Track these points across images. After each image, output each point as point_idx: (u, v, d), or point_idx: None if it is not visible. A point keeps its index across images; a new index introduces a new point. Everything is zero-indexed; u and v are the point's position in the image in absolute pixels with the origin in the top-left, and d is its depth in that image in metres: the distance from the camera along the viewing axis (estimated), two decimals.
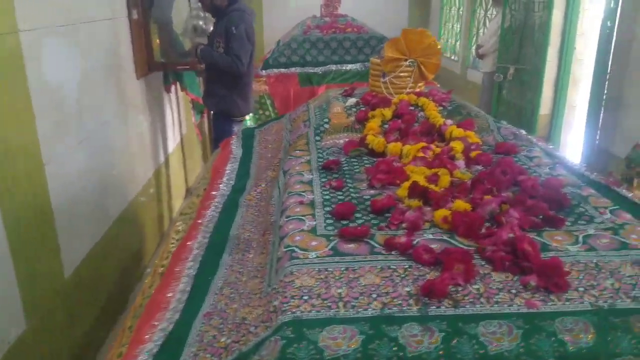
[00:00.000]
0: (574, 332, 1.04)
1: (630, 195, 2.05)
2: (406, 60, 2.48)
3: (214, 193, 2.18)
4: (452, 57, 8.45)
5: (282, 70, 5.49)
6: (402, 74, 2.51)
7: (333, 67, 5.51)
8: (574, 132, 5.56)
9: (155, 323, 1.37)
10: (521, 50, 5.51)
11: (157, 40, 4.03)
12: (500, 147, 2.08)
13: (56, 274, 2.46)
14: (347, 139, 2.17)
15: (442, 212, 1.47)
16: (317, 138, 2.23)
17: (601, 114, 4.30)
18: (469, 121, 2.24)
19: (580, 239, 1.39)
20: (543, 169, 1.91)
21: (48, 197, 2.37)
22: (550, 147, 2.71)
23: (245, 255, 1.64)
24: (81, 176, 2.68)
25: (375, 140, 2.07)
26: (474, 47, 6.90)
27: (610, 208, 1.58)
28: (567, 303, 1.13)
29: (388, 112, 2.32)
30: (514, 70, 5.56)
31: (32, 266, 2.26)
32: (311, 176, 1.87)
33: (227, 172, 2.40)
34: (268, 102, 5.40)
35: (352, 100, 2.51)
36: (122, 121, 3.31)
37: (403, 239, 1.35)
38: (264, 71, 5.50)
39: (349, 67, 5.50)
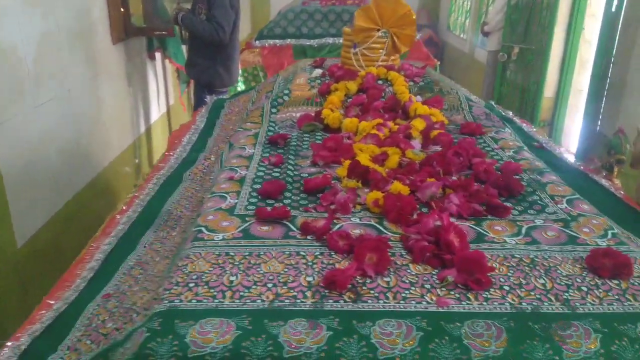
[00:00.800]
0: (482, 338, 0.90)
1: (606, 183, 1.90)
2: (378, 30, 2.31)
3: (161, 165, 2.06)
4: (461, 36, 8.16)
5: (277, 41, 5.30)
6: (374, 46, 2.34)
7: (330, 39, 5.31)
8: (580, 117, 5.34)
9: (51, 302, 1.25)
10: (527, 29, 5.26)
11: (141, 5, 3.89)
12: (465, 127, 1.93)
13: (7, 243, 2.37)
14: (304, 113, 2.03)
15: (374, 195, 1.33)
16: (274, 110, 2.09)
17: (603, 99, 4.08)
18: (436, 98, 2.08)
19: (524, 230, 1.25)
20: (507, 152, 1.76)
21: None
22: (533, 130, 2.55)
23: (170, 233, 1.51)
24: (38, 142, 2.57)
25: (330, 115, 1.92)
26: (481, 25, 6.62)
27: (569, 197, 1.43)
28: (485, 304, 0.99)
29: (353, 86, 2.16)
30: (518, 50, 5.32)
31: None
32: (253, 150, 1.73)
33: (183, 143, 2.27)
34: (261, 74, 5.24)
35: (317, 72, 2.35)
36: (92, 87, 3.18)
37: (321, 223, 1.21)
38: (257, 42, 5.31)
39: None
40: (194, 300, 0.99)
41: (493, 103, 2.99)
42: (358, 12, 2.29)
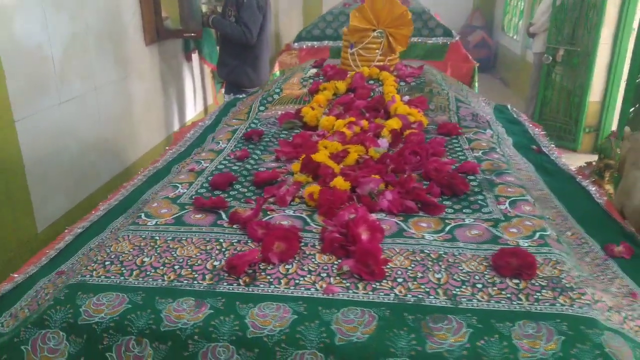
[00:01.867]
0: (351, 324, 0.94)
1: (592, 188, 1.85)
2: (374, 30, 2.34)
3: (158, 159, 2.19)
4: (514, 37, 7.92)
5: (315, 43, 5.37)
6: (370, 46, 2.37)
7: None
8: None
9: (15, 275, 1.39)
10: (573, 30, 5.07)
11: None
12: (442, 128, 1.93)
13: (27, 227, 2.58)
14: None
15: (311, 189, 1.38)
16: (262, 108, 2.17)
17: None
18: (420, 98, 2.09)
19: (448, 228, 1.25)
20: (475, 152, 1.75)
21: (19, 152, 2.49)
22: (541, 133, 2.49)
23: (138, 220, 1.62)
24: (60, 136, 2.77)
25: (309, 113, 1.97)
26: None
27: (515, 198, 1.41)
28: (371, 293, 1.02)
29: (342, 85, 2.21)
30: (564, 52, 5.13)
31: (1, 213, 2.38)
32: (225, 145, 1.82)
33: (185, 139, 2.40)
34: None
35: (312, 71, 2.41)
36: (123, 86, 3.38)
37: (247, 213, 1.28)
38: (296, 44, 5.41)
39: None
40: (103, 277, 1.08)
41: (509, 106, 2.94)
42: (353, 13, 2.32)
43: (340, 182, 1.40)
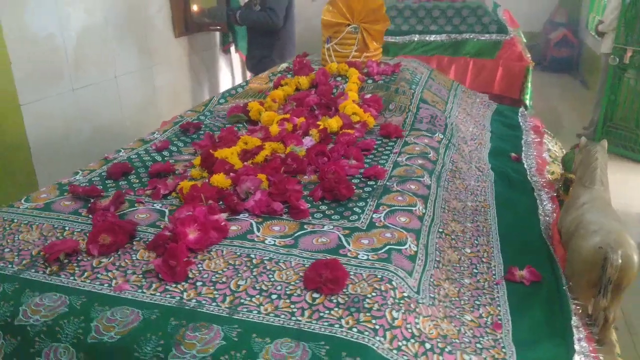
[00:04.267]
0: (112, 324, 0.92)
1: (546, 203, 1.69)
2: (348, 25, 2.26)
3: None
4: (597, 37, 7.27)
5: None
6: (347, 41, 2.29)
7: (415, 37, 5.14)
8: None
9: None
10: None
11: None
12: (383, 129, 1.82)
13: None
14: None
15: (183, 184, 1.36)
16: (222, 101, 2.17)
17: None
18: (374, 97, 1.99)
19: (298, 233, 1.19)
20: (401, 156, 1.64)
21: (24, 134, 2.68)
22: (537, 140, 2.29)
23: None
24: (74, 120, 2.94)
25: (254, 108, 1.95)
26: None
27: (397, 208, 1.31)
28: (158, 294, 0.99)
29: (305, 81, 2.15)
30: (632, 53, 4.64)
31: (6, 192, 2.58)
32: (157, 136, 1.84)
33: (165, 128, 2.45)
34: None
35: (283, 66, 2.37)
36: (147, 76, 3.52)
37: (105, 203, 1.29)
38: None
39: (432, 37, 5.07)
40: None
41: (522, 110, 2.72)
42: (327, 6, 2.26)
43: (219, 179, 1.38)
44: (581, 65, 8.06)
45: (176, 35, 3.85)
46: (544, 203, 1.72)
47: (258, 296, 0.98)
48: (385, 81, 2.16)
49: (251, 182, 1.36)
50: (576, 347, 1.09)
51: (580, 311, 1.24)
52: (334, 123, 1.80)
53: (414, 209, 1.32)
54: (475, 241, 1.40)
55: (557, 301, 1.22)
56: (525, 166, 1.98)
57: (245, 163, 1.54)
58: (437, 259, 1.22)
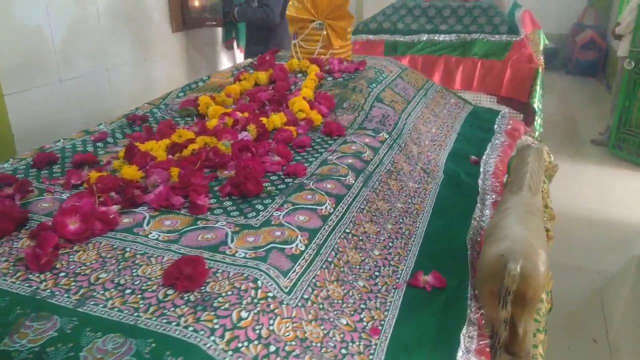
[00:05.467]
0: None
1: (478, 212, 1.63)
2: (313, 21, 2.22)
3: None
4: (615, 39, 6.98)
5: (370, 37, 5.22)
6: (312, 38, 2.26)
7: (424, 36, 5.03)
8: None
9: None
10: None
11: None
12: (325, 127, 1.79)
13: None
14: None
15: (91, 174, 1.36)
16: (181, 94, 2.17)
17: None
18: (324, 95, 1.95)
19: (188, 229, 1.17)
20: (334, 155, 1.61)
21: (8, 124, 2.75)
22: (506, 144, 2.21)
23: None
24: (62, 110, 3.00)
25: (202, 101, 1.94)
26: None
27: (302, 206, 1.28)
28: (18, 283, 0.99)
29: (263, 76, 2.13)
30: None
31: None
32: (102, 127, 1.85)
33: None
34: None
35: (247, 60, 2.35)
36: (141, 69, 3.56)
37: (9, 191, 1.30)
38: (352, 37, 5.31)
39: (441, 37, 4.95)
40: None
41: (503, 112, 2.63)
42: (291, 1, 2.23)
43: (129, 171, 1.37)
44: (607, 68, 7.78)
45: (173, 30, 3.88)
46: (485, 208, 1.65)
47: (112, 290, 0.97)
48: (344, 79, 2.12)
49: (158, 174, 1.35)
50: (459, 357, 1.04)
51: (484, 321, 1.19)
52: (277, 119, 1.78)
53: (319, 207, 1.29)
54: (390, 244, 1.36)
55: (454, 309, 1.17)
56: (481, 170, 1.91)
57: (170, 156, 1.53)
58: (330, 259, 1.18)
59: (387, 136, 1.79)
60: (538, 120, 4.37)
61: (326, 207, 1.30)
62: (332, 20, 2.19)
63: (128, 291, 0.96)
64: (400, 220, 1.48)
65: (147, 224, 1.19)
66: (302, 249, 1.14)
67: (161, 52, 3.78)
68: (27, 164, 1.53)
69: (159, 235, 1.14)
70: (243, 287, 0.97)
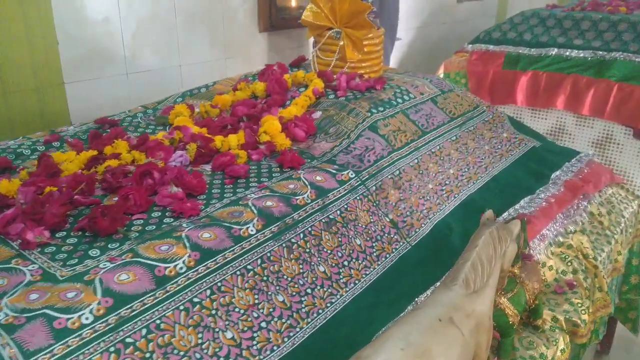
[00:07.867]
0: None
1: None
2: (330, 29, 1.92)
3: None
4: None
5: (490, 47, 4.62)
6: (329, 47, 1.96)
7: (553, 50, 4.29)
8: None
9: None
10: None
11: None
12: (281, 156, 1.49)
13: None
14: None
15: None
16: (179, 99, 2.02)
17: None
18: (303, 117, 1.65)
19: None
20: (257, 193, 1.32)
21: (67, 112, 2.86)
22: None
23: None
24: (124, 103, 3.02)
25: (175, 110, 1.76)
26: None
27: (138, 262, 1.03)
28: None
29: (261, 88, 1.89)
30: None
31: None
32: (70, 130, 1.76)
33: None
34: (462, 81, 4.70)
35: (258, 68, 2.11)
36: (218, 67, 3.50)
37: None
38: (470, 46, 4.76)
39: (573, 53, 4.16)
40: None
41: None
42: (309, 5, 1.94)
43: (3, 185, 1.24)
44: None
45: (260, 30, 3.79)
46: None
47: None
48: (347, 99, 1.78)
49: (22, 194, 1.19)
50: None
51: None
52: (233, 140, 1.53)
53: (165, 265, 1.02)
54: (263, 324, 1.04)
55: None
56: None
57: (80, 171, 1.37)
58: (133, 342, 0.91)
59: (353, 175, 1.44)
60: None
61: (179, 265, 1.03)
62: (350, 29, 1.86)
63: None
64: (308, 290, 1.15)
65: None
66: (88, 322, 0.88)
67: (244, 52, 3.70)
68: None
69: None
70: None
